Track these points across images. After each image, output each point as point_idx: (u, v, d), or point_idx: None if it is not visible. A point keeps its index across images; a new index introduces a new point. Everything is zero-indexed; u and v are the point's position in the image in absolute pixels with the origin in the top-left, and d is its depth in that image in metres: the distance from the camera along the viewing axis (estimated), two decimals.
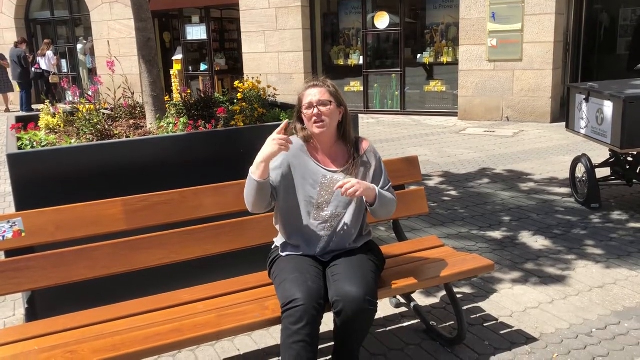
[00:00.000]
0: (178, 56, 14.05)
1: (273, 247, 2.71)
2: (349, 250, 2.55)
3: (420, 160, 3.41)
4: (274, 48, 12.11)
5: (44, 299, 2.73)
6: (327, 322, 3.01)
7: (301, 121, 2.58)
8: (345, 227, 2.54)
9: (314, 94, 2.49)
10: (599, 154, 6.11)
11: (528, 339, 2.92)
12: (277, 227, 2.67)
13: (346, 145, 2.61)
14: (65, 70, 16.37)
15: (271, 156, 2.36)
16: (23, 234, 2.46)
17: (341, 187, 2.35)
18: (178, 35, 14.48)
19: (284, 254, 2.58)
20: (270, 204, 2.52)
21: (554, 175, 6.20)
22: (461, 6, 10.06)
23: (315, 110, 2.46)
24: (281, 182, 2.50)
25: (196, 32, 13.81)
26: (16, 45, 13.46)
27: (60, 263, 2.49)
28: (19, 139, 3.36)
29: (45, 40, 14.33)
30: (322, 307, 2.31)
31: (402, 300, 3.33)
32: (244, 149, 3.41)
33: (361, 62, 11.70)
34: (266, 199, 2.46)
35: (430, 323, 3.07)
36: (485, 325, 3.09)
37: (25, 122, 3.73)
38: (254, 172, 2.38)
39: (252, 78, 4.52)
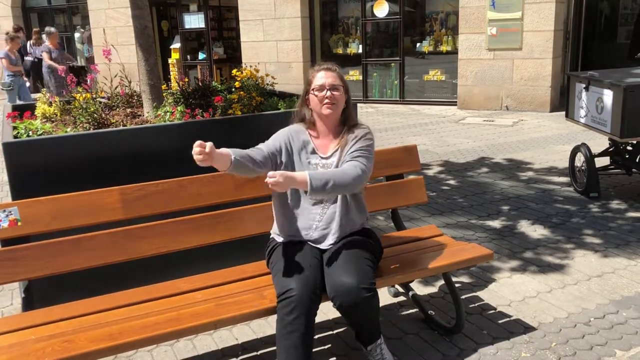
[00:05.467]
0: (176, 45, 13.99)
1: (271, 236, 2.70)
2: (345, 236, 2.54)
3: (419, 150, 3.39)
4: (272, 37, 12.04)
5: (40, 289, 2.72)
6: (327, 312, 3.01)
7: (306, 104, 2.61)
8: (339, 212, 2.53)
9: (327, 77, 2.52)
10: (599, 143, 6.10)
11: (526, 328, 2.92)
12: (275, 221, 2.66)
13: (346, 130, 2.62)
14: None
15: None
16: (19, 223, 2.45)
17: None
18: (176, 24, 14.40)
19: (280, 240, 2.58)
20: (258, 171, 2.41)
21: (553, 165, 6.19)
22: None
23: (328, 93, 2.50)
24: (283, 156, 2.52)
25: (194, 21, 13.72)
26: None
27: (57, 252, 2.48)
28: (14, 127, 3.34)
29: (35, 29, 14.25)
30: (318, 297, 2.31)
31: (401, 290, 3.33)
32: (242, 137, 3.39)
33: (360, 50, 11.64)
34: (247, 171, 2.38)
35: (429, 312, 3.07)
36: (483, 314, 3.09)
37: (22, 111, 3.70)
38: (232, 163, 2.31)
39: (251, 67, 4.48)
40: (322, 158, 2.55)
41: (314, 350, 2.37)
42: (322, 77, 2.53)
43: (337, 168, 2.48)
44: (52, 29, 10.58)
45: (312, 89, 2.54)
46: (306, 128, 2.61)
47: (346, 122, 2.62)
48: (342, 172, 2.41)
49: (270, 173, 2.23)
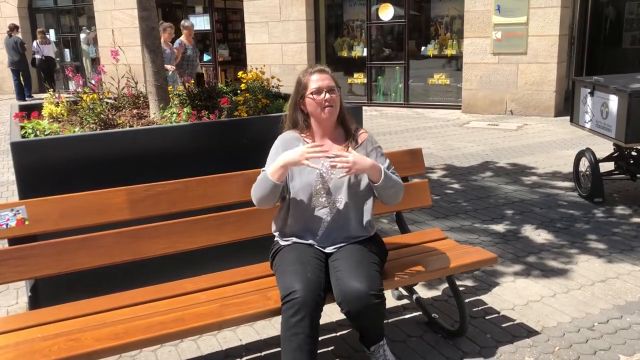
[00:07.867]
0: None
1: (275, 239, 2.70)
2: (351, 241, 2.54)
3: (424, 153, 3.40)
4: (277, 39, 12.07)
5: (47, 287, 2.73)
6: (330, 314, 3.02)
7: (298, 109, 2.58)
8: (346, 213, 2.52)
9: (322, 79, 2.51)
10: (603, 148, 6.09)
11: (530, 332, 2.93)
12: (277, 222, 2.66)
13: (345, 133, 2.61)
14: (68, 60, 16.39)
15: (293, 164, 2.38)
16: (26, 222, 2.46)
17: (335, 164, 2.34)
18: None
19: (284, 242, 2.58)
20: (276, 202, 2.54)
21: (557, 169, 6.19)
22: None
23: (327, 96, 2.48)
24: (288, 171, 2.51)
25: (199, 23, 13.77)
26: (10, 34, 13.65)
27: (63, 251, 2.49)
28: (22, 127, 3.36)
29: (39, 29, 14.47)
30: (322, 299, 2.31)
31: (404, 293, 3.33)
32: (248, 139, 3.41)
33: (365, 54, 11.66)
34: (276, 197, 2.49)
35: (432, 315, 3.07)
36: (487, 318, 3.09)
37: (29, 111, 3.73)
38: (273, 174, 2.40)
39: (256, 69, 4.51)
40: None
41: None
42: (318, 79, 2.51)
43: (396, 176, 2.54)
44: (189, 22, 8.78)
45: (309, 93, 2.51)
46: (299, 133, 2.59)
47: (343, 123, 2.61)
48: (400, 183, 2.55)
49: (344, 153, 2.34)
